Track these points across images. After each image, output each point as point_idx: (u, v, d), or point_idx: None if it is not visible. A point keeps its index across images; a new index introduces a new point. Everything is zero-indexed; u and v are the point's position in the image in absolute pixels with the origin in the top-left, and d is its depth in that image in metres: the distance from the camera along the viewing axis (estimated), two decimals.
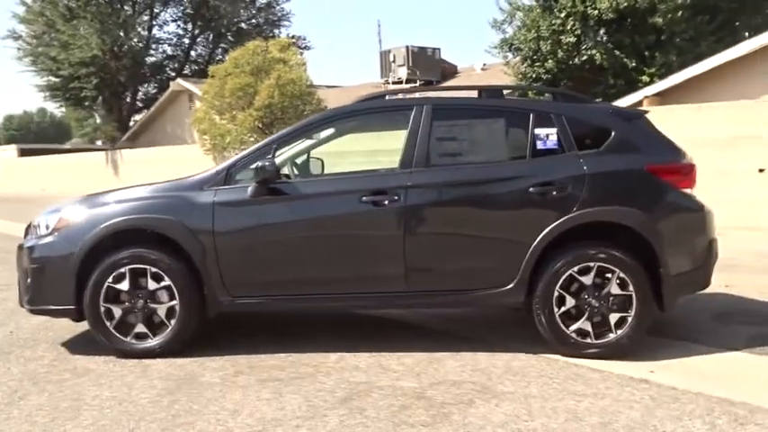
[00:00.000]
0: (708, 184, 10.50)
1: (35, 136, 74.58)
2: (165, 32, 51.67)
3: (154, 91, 36.46)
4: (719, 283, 6.30)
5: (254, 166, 4.47)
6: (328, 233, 4.46)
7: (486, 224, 4.43)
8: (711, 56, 13.41)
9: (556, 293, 4.28)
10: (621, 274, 4.22)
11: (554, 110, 4.57)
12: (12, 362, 4.48)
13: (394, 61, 22.50)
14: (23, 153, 38.03)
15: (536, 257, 4.31)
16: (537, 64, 16.99)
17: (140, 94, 36.77)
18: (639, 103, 13.44)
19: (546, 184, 4.34)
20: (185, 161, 18.04)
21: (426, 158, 4.49)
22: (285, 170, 4.94)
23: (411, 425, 3.29)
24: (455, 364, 4.22)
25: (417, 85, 21.67)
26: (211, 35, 36.95)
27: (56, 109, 54.70)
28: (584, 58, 16.29)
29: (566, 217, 4.29)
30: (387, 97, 4.94)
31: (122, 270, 4.42)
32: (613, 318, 4.25)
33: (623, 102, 13.62)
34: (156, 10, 35.45)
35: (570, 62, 16.60)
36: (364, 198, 4.39)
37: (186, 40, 36.97)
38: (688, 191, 4.47)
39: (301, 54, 22.87)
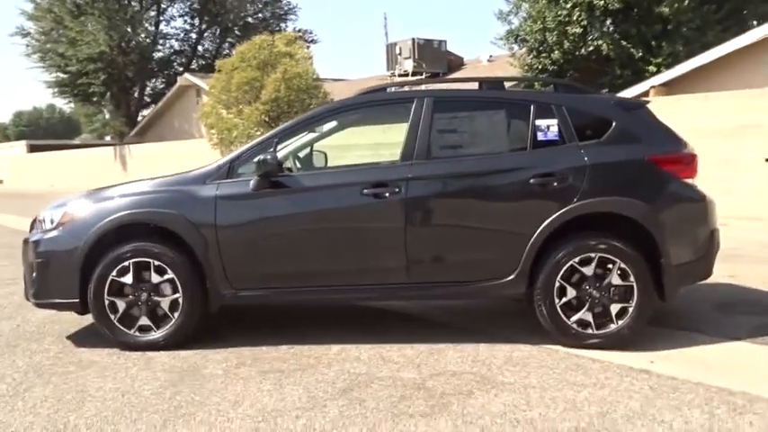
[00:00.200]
0: (714, 174, 10.53)
1: (44, 132, 75.08)
2: (172, 28, 51.70)
3: (161, 86, 36.61)
4: (723, 273, 6.30)
5: (255, 159, 4.49)
6: (330, 226, 4.48)
7: (487, 215, 4.44)
8: (718, 45, 13.33)
9: (557, 284, 4.28)
10: (622, 265, 4.22)
11: (555, 101, 4.57)
12: (18, 354, 4.53)
13: (400, 54, 22.43)
14: (33, 149, 38.25)
15: (537, 248, 4.31)
16: (543, 55, 16.91)
17: (148, 89, 36.94)
18: (646, 93, 13.39)
19: (546, 175, 4.35)
20: (193, 155, 18.09)
21: (427, 151, 4.49)
22: (288, 163, 4.97)
23: (410, 415, 3.32)
24: (456, 355, 4.23)
25: (424, 77, 21.62)
26: (218, 30, 37.03)
27: (65, 105, 54.96)
28: (591, 48, 16.20)
29: (566, 208, 4.29)
30: (388, 90, 4.94)
31: (126, 263, 4.46)
32: (614, 308, 4.26)
33: (630, 92, 13.57)
34: (162, 5, 35.57)
35: (576, 53, 16.51)
36: (365, 190, 4.41)
37: (193, 35, 37.12)
38: (689, 181, 4.47)
39: (308, 48, 22.87)
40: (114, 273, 4.46)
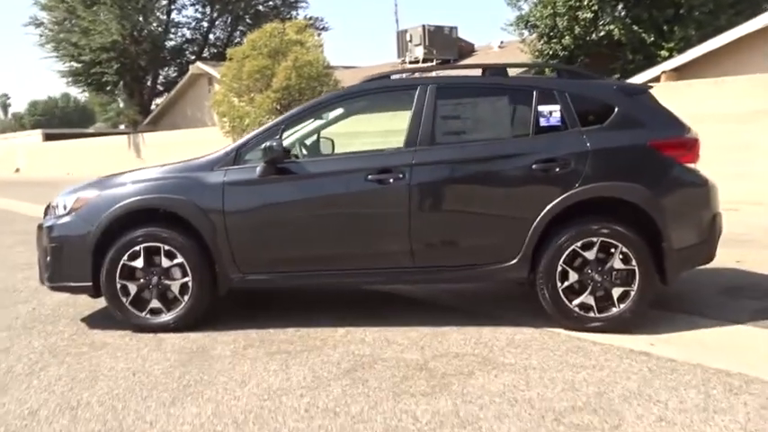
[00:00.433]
0: (726, 159, 10.53)
1: (60, 121, 75.57)
2: (183, 16, 51.99)
3: (174, 75, 36.79)
4: (730, 257, 6.33)
5: (262, 146, 4.57)
6: (335, 211, 4.56)
7: (490, 201, 4.50)
8: (731, 29, 13.22)
9: (559, 268, 4.34)
10: (624, 249, 4.27)
11: (557, 87, 4.61)
12: (34, 336, 4.67)
13: (411, 41, 22.40)
14: (48, 137, 38.55)
15: (539, 233, 4.37)
16: (554, 41, 16.84)
17: (161, 77, 37.13)
18: (657, 78, 13.33)
19: (549, 160, 4.40)
20: (205, 143, 18.17)
21: (431, 137, 4.55)
22: (294, 150, 5.04)
23: (411, 394, 3.41)
24: (459, 337, 4.31)
25: (434, 64, 21.60)
26: (229, 18, 37.08)
27: (79, 94, 55.33)
28: (602, 33, 16.11)
29: (568, 193, 4.34)
30: (392, 77, 4.99)
31: (137, 248, 4.57)
32: (616, 292, 4.31)
33: (640, 77, 13.51)
34: None
35: (587, 38, 16.43)
36: (370, 176, 4.48)
37: (205, 24, 37.21)
38: (691, 165, 4.50)
39: (319, 35, 22.87)
40: (126, 257, 4.57)
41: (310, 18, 33.45)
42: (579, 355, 3.91)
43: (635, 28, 15.81)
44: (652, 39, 15.72)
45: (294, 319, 4.81)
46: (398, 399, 3.35)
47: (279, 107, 17.76)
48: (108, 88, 36.49)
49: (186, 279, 4.58)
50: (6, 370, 3.99)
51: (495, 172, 4.50)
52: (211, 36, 37.78)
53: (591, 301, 4.34)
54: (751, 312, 4.64)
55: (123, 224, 4.61)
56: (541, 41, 17.33)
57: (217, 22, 37.54)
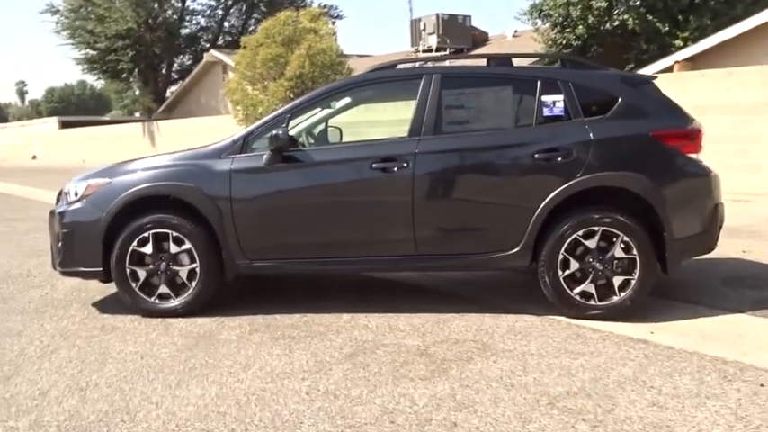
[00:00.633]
0: (737, 150, 10.48)
1: (76, 108, 76.13)
2: (198, 4, 52.03)
3: (189, 62, 36.91)
4: (736, 248, 6.37)
5: (268, 134, 4.65)
6: (339, 199, 4.63)
7: (493, 189, 4.55)
8: (747, 18, 13.10)
9: (560, 257, 4.39)
10: (625, 238, 4.31)
11: (561, 77, 4.64)
12: (46, 320, 4.79)
13: (424, 29, 22.33)
14: (64, 125, 38.94)
15: (541, 222, 4.42)
16: (567, 30, 16.75)
17: (175, 65, 37.27)
18: (670, 68, 13.26)
19: (551, 150, 4.44)
20: (219, 132, 18.19)
21: (435, 126, 4.60)
22: (302, 139, 5.12)
23: (410, 378, 3.48)
24: (461, 324, 4.38)
25: (447, 53, 21.56)
26: (244, 6, 37.07)
27: (95, 81, 55.69)
28: (616, 23, 16.01)
29: (571, 182, 4.38)
30: (398, 66, 5.04)
31: (146, 234, 4.67)
32: (617, 280, 4.36)
33: (653, 67, 13.44)
34: None
35: (601, 27, 16.33)
36: (374, 165, 4.54)
37: (219, 12, 37.21)
38: (694, 156, 4.52)
39: (333, 24, 22.87)
40: (135, 243, 4.67)
41: (324, 6, 33.44)
42: (578, 342, 3.97)
43: (649, 17, 15.69)
44: (667, 28, 15.61)
45: (300, 305, 4.90)
46: (397, 383, 3.43)
47: (292, 95, 17.80)
48: (123, 76, 36.70)
49: (194, 265, 4.67)
50: (19, 352, 4.11)
51: (498, 161, 4.55)
52: (226, 24, 37.85)
53: (592, 289, 4.39)
54: (751, 302, 4.67)
55: (133, 211, 4.70)
56: (555, 31, 17.26)
57: (231, 10, 37.57)
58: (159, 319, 4.64)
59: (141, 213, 4.69)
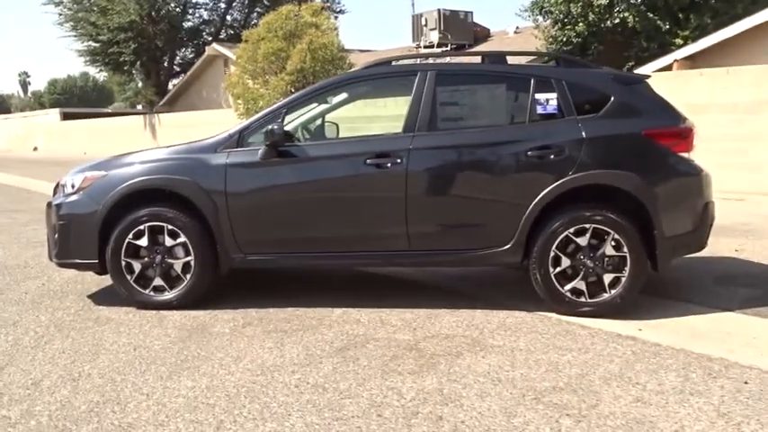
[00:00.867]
0: (735, 149, 10.49)
1: (78, 100, 76.15)
2: None
3: (191, 55, 36.92)
4: (729, 247, 6.39)
5: (264, 129, 4.68)
6: (333, 194, 4.66)
7: (486, 186, 4.58)
8: (747, 17, 13.10)
9: (552, 254, 4.42)
10: (616, 236, 4.35)
11: (555, 75, 4.67)
12: (41, 311, 4.83)
13: (426, 25, 22.31)
14: (66, 117, 38.92)
15: (533, 219, 4.45)
16: (567, 27, 16.73)
17: (177, 58, 37.26)
18: (669, 66, 13.27)
19: (544, 147, 4.47)
20: (220, 125, 18.17)
21: (429, 123, 4.63)
22: (298, 134, 5.15)
23: (399, 372, 3.53)
24: (452, 319, 4.42)
25: (449, 49, 21.54)
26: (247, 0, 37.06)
27: (97, 73, 55.66)
28: (617, 20, 15.98)
29: (563, 180, 4.41)
30: (393, 63, 5.07)
31: (141, 227, 4.71)
32: (607, 278, 4.39)
33: (652, 66, 13.45)
34: None
35: (602, 25, 16.30)
36: (368, 161, 4.57)
37: (222, 5, 37.20)
38: (685, 155, 4.55)
39: (335, 18, 22.86)
40: (131, 236, 4.71)
41: (326, 1, 33.39)
42: (567, 339, 4.01)
43: (650, 15, 15.68)
44: (667, 27, 15.60)
45: (294, 299, 4.94)
46: (386, 377, 3.48)
47: (293, 90, 17.81)
48: (125, 68, 36.69)
49: (189, 258, 4.71)
50: (14, 342, 4.15)
51: (491, 158, 4.58)
52: (228, 17, 37.83)
53: (582, 286, 4.43)
54: (742, 300, 4.70)
55: (129, 203, 4.74)
56: (555, 28, 17.24)
57: (234, 4, 37.53)
58: (153, 312, 4.68)
59: (137, 206, 4.73)
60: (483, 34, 24.10)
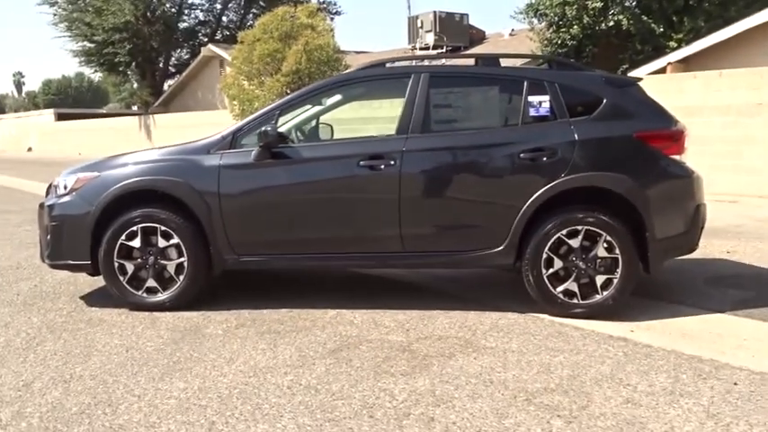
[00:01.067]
0: (728, 152, 10.54)
1: (73, 100, 75.95)
2: None
3: (186, 56, 36.85)
4: (721, 248, 6.43)
5: (258, 131, 4.68)
6: (327, 196, 4.66)
7: (479, 188, 4.59)
8: (740, 20, 13.15)
9: (544, 255, 4.44)
10: (608, 238, 4.37)
11: (548, 77, 4.69)
12: (33, 312, 4.82)
13: (421, 27, 22.34)
14: (60, 117, 38.85)
15: (526, 220, 4.47)
16: (562, 30, 16.76)
17: (173, 59, 37.21)
18: (663, 69, 13.32)
19: (536, 149, 4.48)
20: (215, 126, 18.13)
21: (422, 125, 4.64)
22: (292, 135, 5.15)
23: (391, 374, 3.53)
24: (445, 321, 4.43)
25: (444, 51, 21.58)
26: (243, 1, 37.04)
27: (92, 74, 55.53)
28: (611, 23, 16.04)
29: (555, 182, 4.43)
30: (387, 65, 5.08)
31: (134, 228, 4.70)
32: (600, 279, 4.41)
33: (646, 68, 13.49)
34: None
35: (596, 28, 16.36)
36: (362, 162, 4.58)
37: (218, 6, 37.15)
38: (677, 157, 4.57)
39: (331, 20, 22.84)
40: (123, 237, 4.71)
41: (322, 2, 33.43)
42: (559, 340, 4.02)
43: (644, 18, 15.74)
44: (661, 29, 15.66)
45: (287, 300, 4.94)
46: (378, 378, 3.48)
47: (288, 91, 17.82)
48: (120, 69, 36.56)
49: (182, 259, 4.71)
50: (5, 344, 4.14)
51: (484, 160, 4.59)
52: (224, 18, 37.78)
53: (575, 287, 4.44)
54: (733, 302, 4.73)
55: (122, 204, 4.73)
56: (550, 30, 17.28)
57: (230, 5, 37.51)
58: (146, 313, 4.68)
59: (130, 207, 4.72)
60: (478, 36, 24.15)
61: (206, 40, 35.12)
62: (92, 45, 34.99)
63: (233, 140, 4.78)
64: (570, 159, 4.44)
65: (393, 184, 4.55)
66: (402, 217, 4.56)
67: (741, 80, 10.62)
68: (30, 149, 39.05)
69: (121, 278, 4.74)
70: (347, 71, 5.39)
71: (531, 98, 4.59)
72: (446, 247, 4.65)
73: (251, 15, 36.26)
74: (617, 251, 4.37)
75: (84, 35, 34.48)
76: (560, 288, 4.45)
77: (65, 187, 4.92)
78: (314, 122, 5.48)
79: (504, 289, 5.20)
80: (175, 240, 4.69)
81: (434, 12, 22.30)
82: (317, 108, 5.34)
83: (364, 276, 5.69)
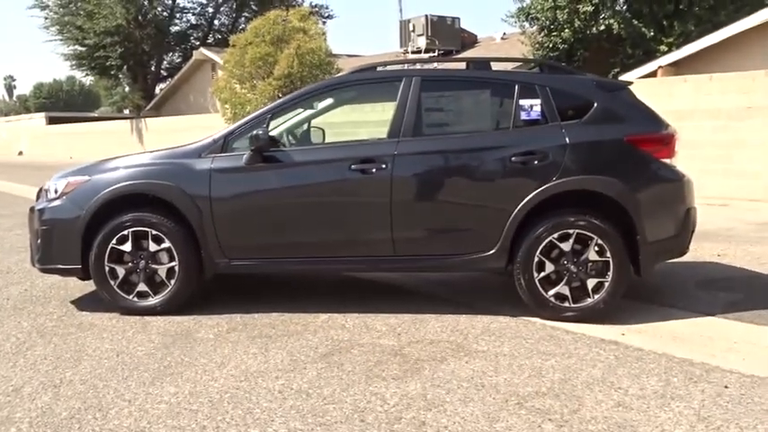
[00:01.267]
0: (718, 155, 10.59)
1: (64, 104, 75.72)
2: (189, 1, 51.47)
3: (178, 60, 36.79)
4: (711, 252, 6.45)
5: (249, 134, 4.67)
6: (318, 199, 4.67)
7: (470, 192, 4.60)
8: (730, 24, 13.23)
9: (536, 259, 4.45)
10: (599, 241, 4.38)
11: (539, 81, 4.70)
12: (23, 317, 4.80)
13: (413, 31, 22.39)
14: (52, 121, 38.70)
15: (517, 224, 4.48)
16: (554, 34, 16.85)
17: (165, 63, 37.13)
18: (653, 73, 13.37)
19: (528, 153, 4.49)
20: (207, 130, 18.09)
21: (414, 128, 4.65)
22: (283, 139, 5.15)
23: (383, 378, 3.53)
24: (437, 324, 4.43)
25: (436, 54, 21.62)
26: (235, 4, 37.00)
27: (84, 77, 55.38)
28: (602, 27, 16.12)
29: (546, 185, 4.44)
30: (378, 68, 5.08)
31: (125, 232, 4.68)
32: (591, 283, 4.42)
33: (637, 72, 13.55)
34: None
35: (587, 32, 16.44)
36: (353, 166, 4.58)
37: (210, 9, 37.13)
38: (667, 161, 4.59)
39: (323, 23, 22.86)
40: (114, 241, 4.68)
41: (314, 6, 33.46)
42: (550, 344, 4.03)
43: (635, 22, 15.83)
44: (652, 33, 15.75)
45: (279, 304, 4.93)
46: (370, 382, 3.48)
47: (280, 95, 17.79)
48: (112, 72, 36.51)
49: (173, 264, 4.69)
50: None
51: (475, 164, 4.60)
52: (216, 22, 37.76)
53: (566, 291, 4.45)
54: (723, 305, 4.75)
55: (112, 208, 4.71)
56: (542, 34, 17.36)
57: (222, 8, 37.49)
58: (137, 318, 4.66)
59: (121, 211, 4.70)
60: (470, 40, 24.22)
61: (198, 43, 35.05)
62: (83, 48, 34.92)
63: (224, 144, 4.77)
64: (561, 163, 4.45)
65: (384, 187, 4.55)
66: (393, 220, 4.56)
67: (731, 84, 10.68)
68: (20, 153, 38.87)
69: (112, 282, 4.72)
70: (339, 75, 5.39)
71: (522, 102, 4.60)
72: (438, 250, 4.65)
73: (243, 19, 36.24)
74: (608, 254, 4.39)
75: (76, 39, 34.40)
76: (552, 291, 4.46)
77: (55, 191, 4.89)
78: (305, 126, 5.49)
79: (495, 292, 5.21)
80: (166, 244, 4.68)
81: (426, 15, 22.36)
82: (309, 112, 5.34)
83: (356, 280, 5.69)
